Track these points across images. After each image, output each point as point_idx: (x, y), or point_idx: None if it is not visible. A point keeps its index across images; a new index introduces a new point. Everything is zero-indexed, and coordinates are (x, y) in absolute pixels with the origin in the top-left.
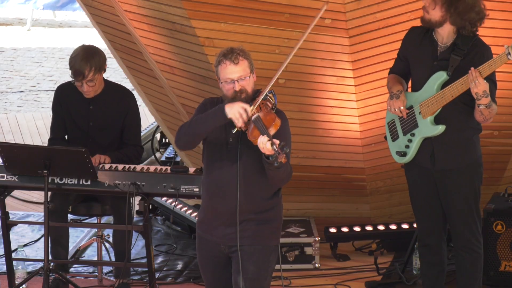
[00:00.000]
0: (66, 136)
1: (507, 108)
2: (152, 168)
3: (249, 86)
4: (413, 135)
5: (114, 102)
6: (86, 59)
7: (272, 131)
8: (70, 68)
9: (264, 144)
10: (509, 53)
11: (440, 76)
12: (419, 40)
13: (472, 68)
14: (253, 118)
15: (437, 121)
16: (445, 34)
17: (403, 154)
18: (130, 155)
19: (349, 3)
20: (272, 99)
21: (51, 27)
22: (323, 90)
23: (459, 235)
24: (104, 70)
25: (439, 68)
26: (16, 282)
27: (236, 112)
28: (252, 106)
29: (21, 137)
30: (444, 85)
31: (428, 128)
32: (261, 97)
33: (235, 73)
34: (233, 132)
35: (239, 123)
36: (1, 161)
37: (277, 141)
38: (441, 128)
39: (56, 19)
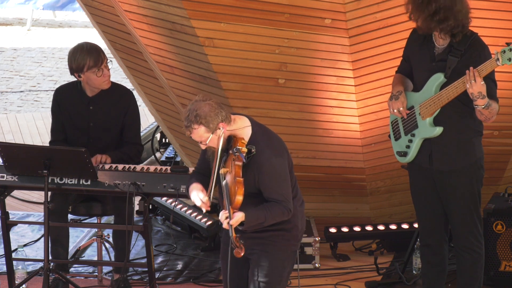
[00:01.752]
0: (66, 139)
1: (507, 108)
2: (152, 168)
3: (215, 143)
4: (413, 135)
5: (114, 102)
6: (94, 46)
7: (238, 200)
8: (82, 64)
9: (222, 221)
10: (497, 59)
11: (438, 78)
12: (420, 42)
13: (471, 68)
14: (223, 183)
15: (436, 122)
16: (441, 36)
17: (404, 154)
18: (130, 154)
19: (349, 3)
20: (240, 157)
21: (51, 27)
22: (323, 90)
23: (459, 236)
24: None
25: (438, 69)
26: (16, 282)
27: (194, 200)
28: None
29: (21, 137)
30: (443, 86)
31: (426, 129)
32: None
33: (193, 138)
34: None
35: (202, 208)
36: (1, 161)
37: (238, 221)
38: (438, 130)
39: (56, 19)
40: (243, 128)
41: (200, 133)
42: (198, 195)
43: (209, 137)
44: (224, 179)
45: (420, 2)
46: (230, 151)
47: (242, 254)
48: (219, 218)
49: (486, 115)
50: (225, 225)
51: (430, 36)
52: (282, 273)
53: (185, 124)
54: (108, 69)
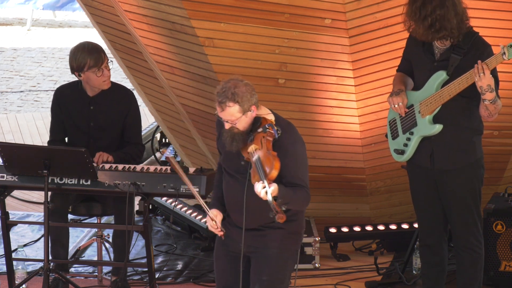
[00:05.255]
0: (66, 138)
1: (507, 108)
2: (152, 168)
3: (241, 125)
4: (411, 133)
5: (115, 102)
6: (96, 46)
7: (273, 173)
8: (82, 63)
9: (258, 192)
10: (504, 53)
11: (440, 76)
12: (421, 42)
13: (479, 61)
14: (254, 158)
15: (436, 121)
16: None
17: (401, 152)
18: (132, 154)
19: (349, 3)
20: (272, 131)
21: (51, 27)
22: (323, 90)
23: (459, 235)
24: None
25: (440, 68)
26: (16, 282)
27: (209, 225)
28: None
29: (21, 137)
30: (444, 84)
31: (426, 127)
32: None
33: (222, 115)
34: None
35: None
36: (1, 161)
37: (275, 192)
38: (438, 127)
39: (56, 19)
40: (267, 114)
41: (232, 112)
42: (211, 216)
43: (240, 117)
44: (254, 156)
45: (417, 17)
46: (259, 130)
47: (285, 219)
48: (255, 189)
49: (491, 111)
50: (262, 195)
51: None
52: (285, 271)
53: (219, 100)
54: (109, 70)
